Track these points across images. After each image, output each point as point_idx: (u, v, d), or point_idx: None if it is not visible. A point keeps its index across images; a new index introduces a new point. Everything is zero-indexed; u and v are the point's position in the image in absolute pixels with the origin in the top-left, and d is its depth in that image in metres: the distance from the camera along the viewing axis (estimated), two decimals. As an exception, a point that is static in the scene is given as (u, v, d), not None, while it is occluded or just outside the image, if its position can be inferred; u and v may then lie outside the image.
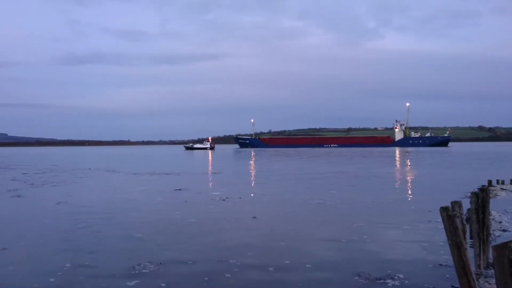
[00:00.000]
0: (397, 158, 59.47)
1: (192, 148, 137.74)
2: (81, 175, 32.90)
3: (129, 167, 43.39)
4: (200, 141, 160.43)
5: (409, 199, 17.25)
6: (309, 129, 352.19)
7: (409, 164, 44.56)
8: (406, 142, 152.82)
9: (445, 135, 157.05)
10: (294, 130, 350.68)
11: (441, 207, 6.01)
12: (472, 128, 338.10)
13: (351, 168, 37.58)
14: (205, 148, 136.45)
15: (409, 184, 23.35)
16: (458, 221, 5.94)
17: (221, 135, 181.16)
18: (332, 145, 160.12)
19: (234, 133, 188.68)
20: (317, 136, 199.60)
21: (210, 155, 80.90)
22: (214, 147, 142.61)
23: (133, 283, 7.32)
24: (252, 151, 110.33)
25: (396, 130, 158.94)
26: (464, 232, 6.31)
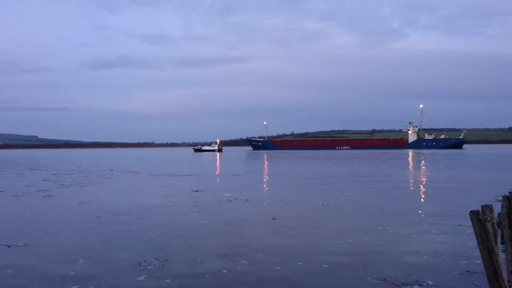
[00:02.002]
0: (410, 160, 58.49)
1: (200, 150, 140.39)
2: (104, 176, 33.57)
3: (150, 169, 43.98)
4: (222, 143, 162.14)
5: (432, 202, 16.70)
6: (332, 131, 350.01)
7: (425, 166, 43.45)
8: (419, 144, 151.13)
9: (460, 137, 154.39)
10: (317, 132, 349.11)
11: (471, 211, 5.79)
12: (502, 130, 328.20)
13: (364, 170, 37.04)
14: (213, 150, 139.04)
15: (429, 186, 22.65)
16: (489, 225, 5.71)
17: (244, 137, 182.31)
18: (344, 147, 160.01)
19: (257, 135, 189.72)
20: (329, 139, 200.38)
21: (218, 157, 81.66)
22: (222, 149, 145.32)
23: (142, 277, 7.65)
24: (264, 153, 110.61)
25: (410, 132, 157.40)
26: (496, 237, 6.05)
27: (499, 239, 8.37)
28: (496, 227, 8.21)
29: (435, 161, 55.44)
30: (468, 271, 7.84)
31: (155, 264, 8.43)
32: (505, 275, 5.72)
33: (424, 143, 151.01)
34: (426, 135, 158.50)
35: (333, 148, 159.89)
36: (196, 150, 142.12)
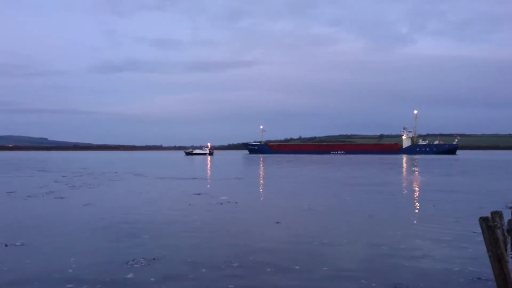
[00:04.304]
0: (404, 166, 58.52)
1: (192, 154, 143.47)
2: (111, 178, 33.81)
3: (155, 172, 44.12)
4: (230, 147, 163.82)
5: (437, 207, 16.55)
6: (339, 135, 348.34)
7: (421, 171, 42.95)
8: (413, 149, 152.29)
9: (453, 143, 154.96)
10: (324, 136, 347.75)
11: (480, 217, 5.77)
12: (511, 136, 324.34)
13: (360, 175, 36.94)
14: (204, 154, 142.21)
15: (430, 192, 22.37)
16: (499, 232, 5.68)
17: (251, 140, 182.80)
18: (339, 152, 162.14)
19: (264, 139, 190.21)
20: (324, 143, 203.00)
21: (208, 161, 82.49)
22: (212, 152, 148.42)
23: (130, 275, 7.95)
24: (261, 157, 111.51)
25: (404, 137, 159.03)
26: (505, 244, 6.02)
27: (508, 246, 8.30)
28: (506, 233, 8.15)
29: (431, 166, 55.17)
30: (479, 278, 7.76)
31: (141, 263, 8.73)
32: (515, 282, 5.68)
33: (417, 149, 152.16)
34: (420, 140, 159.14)
35: (328, 152, 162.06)
36: (188, 154, 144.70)
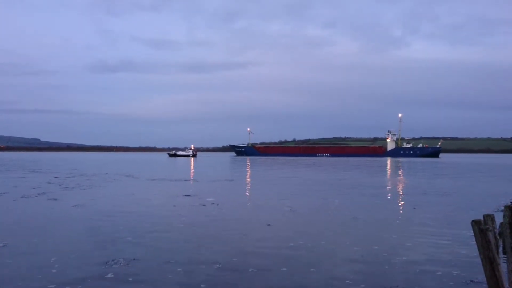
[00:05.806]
0: (388, 168, 59.24)
1: (175, 155, 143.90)
2: (100, 180, 33.60)
3: (146, 173, 43.98)
4: (224, 148, 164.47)
5: (424, 209, 16.59)
6: (333, 138, 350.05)
7: (408, 174, 43.19)
8: (397, 152, 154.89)
9: (437, 146, 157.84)
10: (318, 139, 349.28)
11: (472, 220, 5.76)
12: (504, 139, 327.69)
13: (350, 176, 37.06)
14: (188, 155, 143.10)
15: (422, 195, 22.48)
16: (490, 235, 5.68)
17: (245, 142, 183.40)
18: (324, 154, 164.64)
19: (258, 141, 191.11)
20: (310, 146, 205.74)
21: (192, 163, 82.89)
22: (196, 154, 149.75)
23: (109, 275, 8.06)
24: (247, 159, 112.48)
25: (388, 140, 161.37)
26: (497, 247, 6.02)
27: (500, 249, 8.32)
28: (498, 236, 8.16)
29: (415, 169, 55.64)
30: (471, 281, 7.77)
31: (121, 263, 8.83)
32: (506, 285, 5.68)
33: (401, 152, 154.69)
34: (404, 143, 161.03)
35: (314, 155, 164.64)
36: (171, 155, 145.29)
